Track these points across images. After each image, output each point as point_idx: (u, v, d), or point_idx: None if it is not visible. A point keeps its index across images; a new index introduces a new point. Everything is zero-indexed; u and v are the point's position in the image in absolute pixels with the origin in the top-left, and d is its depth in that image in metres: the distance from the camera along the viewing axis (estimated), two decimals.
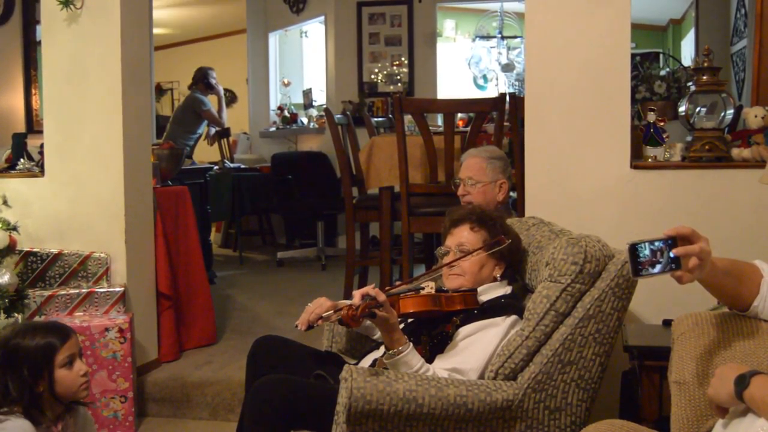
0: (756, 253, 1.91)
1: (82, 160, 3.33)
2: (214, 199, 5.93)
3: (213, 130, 6.71)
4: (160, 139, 5.91)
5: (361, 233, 4.75)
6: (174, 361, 3.59)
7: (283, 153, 7.15)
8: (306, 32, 8.04)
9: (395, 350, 2.02)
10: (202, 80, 6.43)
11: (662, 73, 3.63)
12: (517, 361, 2.05)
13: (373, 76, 7.00)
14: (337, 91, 6.94)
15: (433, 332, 2.23)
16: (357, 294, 1.99)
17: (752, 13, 4.04)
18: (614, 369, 2.40)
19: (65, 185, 3.35)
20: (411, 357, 2.03)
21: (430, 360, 2.13)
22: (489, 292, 2.28)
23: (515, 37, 7.19)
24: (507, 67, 6.98)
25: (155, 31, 7.94)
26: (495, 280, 2.31)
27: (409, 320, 2.32)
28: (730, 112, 2.77)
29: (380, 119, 6.03)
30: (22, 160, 3.52)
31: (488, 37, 7.18)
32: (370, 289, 1.99)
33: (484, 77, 7.34)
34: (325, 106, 6.12)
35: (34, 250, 3.29)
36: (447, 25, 8.50)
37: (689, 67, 3.48)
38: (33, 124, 5.94)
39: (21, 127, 5.73)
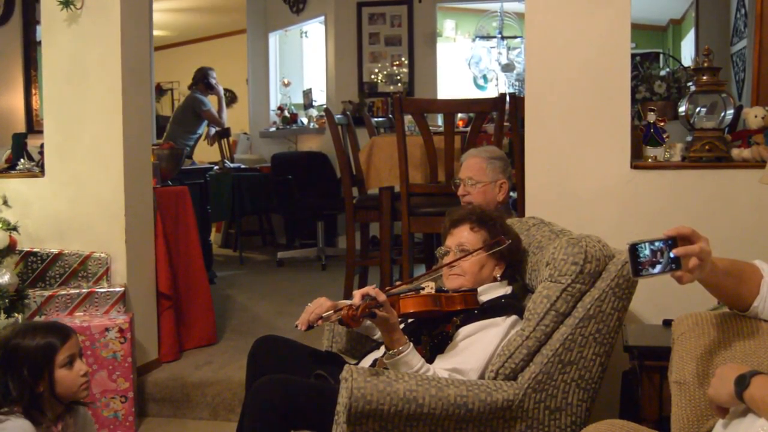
0: (756, 253, 1.91)
1: (82, 160, 3.34)
2: (214, 199, 5.93)
3: (213, 130, 6.71)
4: (160, 139, 5.92)
5: (361, 233, 4.75)
6: (174, 361, 3.59)
7: (283, 153, 7.14)
8: (306, 32, 8.04)
9: (395, 350, 2.02)
10: (202, 80, 6.43)
11: (662, 73, 3.62)
12: (518, 361, 2.05)
13: (373, 76, 7.00)
14: (337, 91, 6.94)
15: (434, 332, 2.23)
16: (357, 294, 1.99)
17: (752, 13, 4.03)
18: (614, 369, 2.40)
19: (65, 185, 3.36)
20: (411, 357, 2.03)
21: (430, 360, 2.13)
22: (489, 292, 2.28)
23: (515, 37, 7.18)
24: (507, 67, 6.97)
25: (155, 33, 7.93)
26: (495, 280, 2.31)
27: (410, 320, 2.32)
28: (730, 112, 2.76)
29: (380, 119, 6.03)
30: (22, 160, 3.52)
31: (488, 37, 7.17)
32: (370, 289, 1.99)
33: (484, 77, 7.33)
34: (325, 106, 6.12)
35: (34, 250, 3.29)
36: (447, 25, 8.49)
37: (689, 67, 3.48)
38: (33, 124, 5.92)
39: (21, 127, 5.72)
